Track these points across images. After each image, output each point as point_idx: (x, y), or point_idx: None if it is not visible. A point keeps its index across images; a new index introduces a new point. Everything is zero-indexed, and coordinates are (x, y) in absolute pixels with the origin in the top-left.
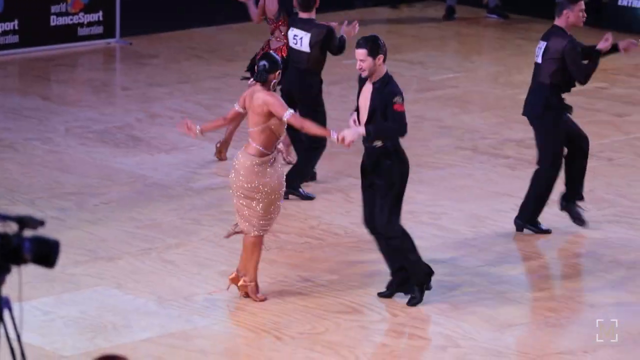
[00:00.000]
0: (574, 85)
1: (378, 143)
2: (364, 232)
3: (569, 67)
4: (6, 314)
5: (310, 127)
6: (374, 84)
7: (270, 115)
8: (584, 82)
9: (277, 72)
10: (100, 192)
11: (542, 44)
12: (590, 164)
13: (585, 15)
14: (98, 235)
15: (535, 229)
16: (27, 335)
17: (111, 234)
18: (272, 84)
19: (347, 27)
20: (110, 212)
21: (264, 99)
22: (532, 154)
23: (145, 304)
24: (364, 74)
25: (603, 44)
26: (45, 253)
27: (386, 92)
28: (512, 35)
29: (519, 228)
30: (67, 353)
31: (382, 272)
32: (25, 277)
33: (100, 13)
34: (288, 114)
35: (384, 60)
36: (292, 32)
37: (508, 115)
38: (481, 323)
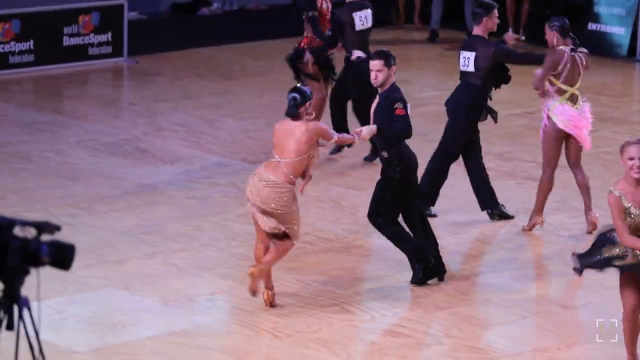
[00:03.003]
0: (500, 86)
1: (384, 154)
2: (354, 238)
3: (512, 63)
4: (25, 313)
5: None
6: (380, 94)
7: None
8: (539, 63)
9: (308, 104)
10: (109, 200)
11: (470, 54)
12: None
13: (498, 21)
14: (107, 240)
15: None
16: (42, 333)
17: (119, 239)
18: (304, 116)
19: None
20: (119, 219)
21: (313, 128)
22: (511, 166)
23: (151, 304)
24: (377, 84)
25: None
26: (62, 256)
27: (389, 99)
28: None
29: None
30: (80, 349)
31: (371, 275)
32: (40, 278)
33: (109, 34)
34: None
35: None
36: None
37: (488, 130)
38: (463, 323)
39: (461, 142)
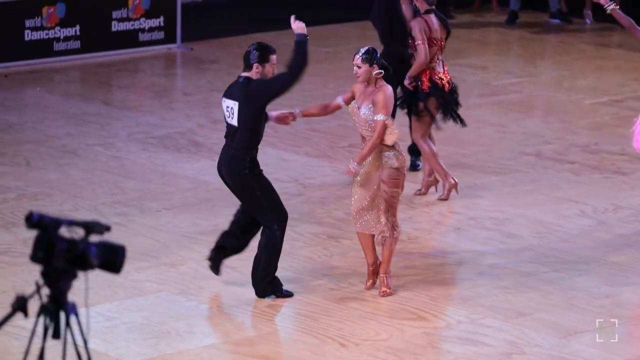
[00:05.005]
0: None
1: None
2: (427, 238)
3: None
4: (73, 319)
5: None
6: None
7: None
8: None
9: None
10: (162, 197)
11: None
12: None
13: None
14: (161, 241)
15: None
16: (91, 341)
17: (174, 240)
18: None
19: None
20: (173, 218)
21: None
22: (597, 159)
23: (209, 310)
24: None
25: None
26: (112, 258)
27: None
28: (575, 40)
29: None
30: (131, 359)
31: (446, 278)
32: (88, 282)
33: (162, 18)
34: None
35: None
36: None
37: (572, 120)
38: (547, 330)
39: None
